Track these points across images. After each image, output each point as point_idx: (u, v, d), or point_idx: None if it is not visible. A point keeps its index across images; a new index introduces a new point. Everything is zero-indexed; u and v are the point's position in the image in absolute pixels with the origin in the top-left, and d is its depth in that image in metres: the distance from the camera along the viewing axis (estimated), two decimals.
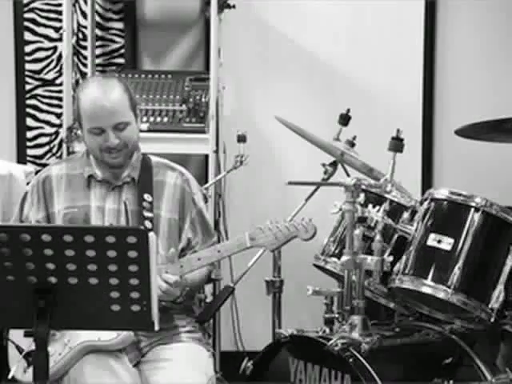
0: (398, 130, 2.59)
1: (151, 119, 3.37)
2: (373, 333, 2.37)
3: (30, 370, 2.29)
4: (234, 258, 3.41)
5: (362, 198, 2.42)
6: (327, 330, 2.54)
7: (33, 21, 3.80)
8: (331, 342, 2.30)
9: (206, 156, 3.46)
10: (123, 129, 2.41)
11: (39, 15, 3.80)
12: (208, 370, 2.41)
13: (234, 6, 3.55)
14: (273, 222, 2.38)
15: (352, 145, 2.96)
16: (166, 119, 3.37)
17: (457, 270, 2.38)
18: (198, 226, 2.54)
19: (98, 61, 3.78)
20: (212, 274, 2.57)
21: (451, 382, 2.33)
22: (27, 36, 3.80)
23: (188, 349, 2.44)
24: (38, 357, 1.80)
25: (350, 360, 2.26)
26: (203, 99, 3.40)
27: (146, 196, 2.46)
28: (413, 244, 2.48)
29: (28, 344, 2.22)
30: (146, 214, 2.44)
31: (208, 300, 3.00)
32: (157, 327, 1.85)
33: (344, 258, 2.40)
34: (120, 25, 3.81)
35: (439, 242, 2.42)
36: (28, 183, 2.82)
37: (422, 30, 3.78)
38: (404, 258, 2.49)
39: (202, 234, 2.54)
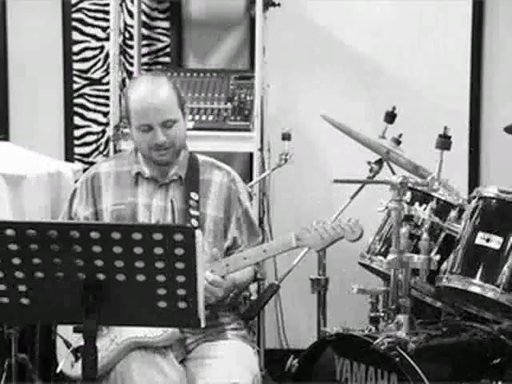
0: (446, 128, 2.55)
1: (196, 117, 3.39)
2: (419, 332, 2.35)
3: (78, 364, 2.32)
4: (278, 256, 3.41)
5: (408, 196, 2.40)
6: (373, 329, 2.52)
7: (81, 21, 3.85)
8: (377, 340, 2.29)
9: (251, 154, 3.47)
10: (171, 126, 2.42)
11: (87, 15, 3.85)
12: (253, 367, 2.41)
13: (278, 4, 3.55)
14: (319, 223, 2.36)
15: (398, 142, 2.94)
16: (211, 117, 3.39)
17: (506, 269, 2.35)
18: (244, 225, 2.54)
19: (144, 60, 3.82)
20: (258, 273, 2.57)
21: (499, 382, 2.30)
22: (75, 36, 3.85)
23: (233, 346, 2.44)
24: (87, 352, 1.82)
25: (397, 359, 2.24)
26: (248, 97, 3.40)
27: (192, 194, 2.47)
28: (460, 243, 2.46)
29: (76, 339, 2.26)
30: (193, 212, 2.45)
31: (253, 298, 3.00)
32: (203, 324, 1.86)
33: (390, 257, 2.38)
34: (166, 24, 3.84)
35: (488, 240, 2.39)
36: (76, 181, 2.86)
37: (469, 25, 3.73)
38: (451, 256, 2.46)
39: (248, 234, 2.54)
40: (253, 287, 3.11)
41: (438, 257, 2.39)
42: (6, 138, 3.80)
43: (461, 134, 3.64)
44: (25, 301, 1.83)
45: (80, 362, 2.27)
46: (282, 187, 3.77)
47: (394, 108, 3.01)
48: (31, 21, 3.86)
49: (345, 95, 3.77)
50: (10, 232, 1.76)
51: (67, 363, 2.34)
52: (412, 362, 2.24)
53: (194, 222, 2.43)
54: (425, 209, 2.46)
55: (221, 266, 2.35)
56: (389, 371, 2.29)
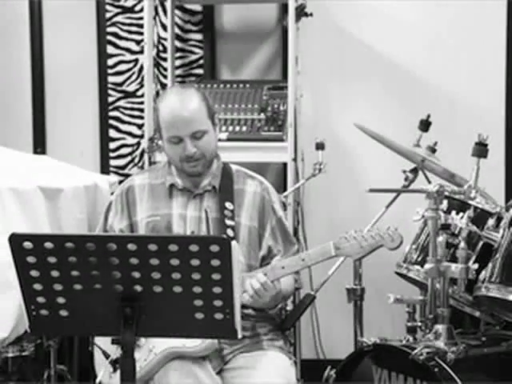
0: (481, 135, 2.53)
1: (230, 128, 3.40)
2: (458, 342, 2.32)
3: (116, 375, 2.33)
4: (313, 266, 3.40)
5: (445, 204, 2.38)
6: (410, 339, 2.50)
7: (115, 34, 3.89)
8: (416, 350, 2.27)
9: (285, 164, 3.47)
10: (201, 137, 2.43)
11: (121, 29, 3.89)
12: (290, 377, 2.40)
13: (311, 14, 3.55)
14: (357, 231, 2.35)
15: (433, 151, 2.92)
16: (244, 128, 3.40)
17: None
18: (279, 234, 2.54)
19: (177, 72, 3.84)
20: (296, 283, 2.56)
21: None
22: (110, 49, 3.90)
23: (270, 357, 2.43)
24: (125, 363, 1.83)
25: (436, 369, 2.22)
26: (281, 107, 3.41)
27: (227, 204, 2.48)
28: (499, 251, 2.42)
29: (114, 349, 2.27)
30: (228, 222, 2.45)
31: (288, 308, 3.00)
32: (240, 335, 1.86)
33: (427, 266, 2.36)
34: (199, 36, 3.86)
35: None
36: (112, 193, 2.89)
37: (503, 32, 3.69)
38: (490, 265, 2.43)
39: (283, 242, 2.54)
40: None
41: (476, 266, 2.37)
42: (43, 152, 3.86)
43: (497, 142, 3.60)
44: (64, 313, 1.85)
45: (118, 372, 2.29)
46: (316, 197, 3.76)
47: (429, 116, 2.99)
48: (67, 35, 3.91)
49: (378, 104, 3.75)
50: (48, 245, 1.78)
51: (106, 374, 2.35)
52: (451, 372, 2.22)
53: (230, 232, 2.44)
54: (462, 217, 2.43)
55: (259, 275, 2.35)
56: (428, 382, 2.27)
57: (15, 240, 1.78)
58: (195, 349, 2.29)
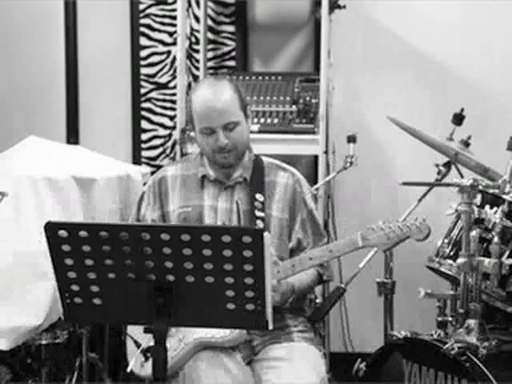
0: None
1: (262, 121, 3.40)
2: (490, 337, 2.31)
3: (147, 364, 2.35)
4: (343, 259, 3.40)
5: (478, 198, 2.36)
6: (441, 334, 2.49)
7: (148, 26, 3.91)
8: (447, 345, 2.25)
9: (316, 157, 3.46)
10: (233, 129, 2.44)
11: (154, 21, 3.91)
12: (320, 369, 2.40)
13: (344, 6, 3.54)
14: (385, 222, 2.34)
15: (467, 145, 2.90)
16: (276, 120, 3.40)
17: None
18: (309, 226, 2.54)
19: (209, 64, 3.85)
20: (324, 275, 2.56)
21: None
22: (143, 41, 3.92)
23: (300, 348, 2.44)
24: (157, 352, 1.84)
25: (467, 364, 2.21)
26: (313, 100, 3.40)
27: (257, 196, 2.48)
28: None
29: (145, 339, 2.29)
30: (258, 213, 2.46)
31: (318, 300, 3.00)
32: (271, 326, 1.86)
33: (460, 261, 2.35)
34: (231, 28, 3.87)
35: None
36: (144, 184, 2.90)
37: None
38: None
39: (313, 235, 2.54)
40: (318, 290, 3.11)
41: (509, 261, 2.35)
42: (77, 142, 3.90)
43: None
44: (97, 301, 1.87)
45: (150, 361, 2.31)
46: (347, 190, 3.76)
47: (463, 109, 2.96)
48: (100, 27, 3.94)
49: (411, 97, 3.73)
50: (83, 233, 1.80)
51: (137, 363, 2.37)
52: (483, 367, 2.21)
53: (260, 224, 2.44)
54: (496, 212, 2.41)
55: (286, 266, 2.36)
56: (459, 377, 2.26)
57: (50, 228, 1.80)
58: (223, 339, 2.31)
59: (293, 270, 2.35)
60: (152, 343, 1.84)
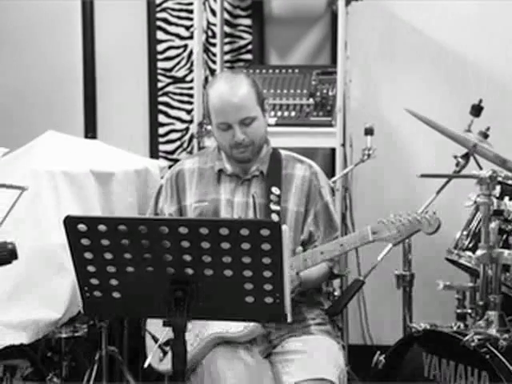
0: None
1: (279, 114, 3.40)
2: (510, 329, 2.29)
3: (165, 359, 2.37)
4: (362, 252, 3.40)
5: (498, 190, 2.35)
6: (461, 326, 2.48)
7: (165, 20, 3.92)
8: (467, 337, 2.25)
9: (333, 149, 3.46)
10: (250, 124, 2.42)
11: (171, 14, 3.92)
12: (339, 362, 2.39)
13: None
14: (396, 216, 2.34)
15: (485, 136, 2.88)
16: (293, 113, 3.40)
17: None
18: (322, 219, 2.51)
19: (226, 57, 3.85)
20: (334, 269, 2.54)
21: None
22: (159, 35, 3.92)
23: (318, 341, 2.43)
24: (176, 345, 1.84)
25: (488, 356, 2.20)
26: (330, 93, 3.39)
27: (273, 189, 2.47)
28: None
29: (164, 333, 2.30)
30: (273, 207, 2.44)
31: (336, 293, 2.99)
32: (289, 319, 1.85)
33: (479, 252, 2.34)
34: (248, 21, 3.86)
35: None
36: (162, 177, 2.91)
37: None
38: None
39: (324, 228, 2.51)
40: (336, 283, 3.11)
41: None
42: (94, 137, 3.91)
43: None
44: (116, 295, 1.87)
45: (167, 356, 2.32)
46: (365, 183, 3.75)
47: (481, 101, 2.94)
48: (117, 21, 3.95)
49: (428, 89, 3.71)
50: (102, 227, 1.80)
51: (155, 358, 2.38)
52: (503, 359, 2.20)
53: (275, 217, 2.43)
54: None
55: (300, 260, 2.35)
56: (479, 368, 2.25)
57: (70, 222, 1.81)
58: (240, 334, 2.31)
59: (305, 264, 2.35)
60: (169, 338, 1.84)
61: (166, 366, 2.37)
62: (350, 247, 2.36)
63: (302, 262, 2.35)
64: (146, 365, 2.29)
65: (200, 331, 2.34)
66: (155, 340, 2.37)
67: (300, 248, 2.38)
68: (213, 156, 2.57)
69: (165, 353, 2.37)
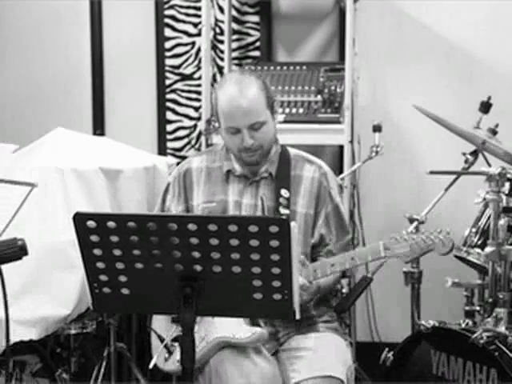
0: None
1: (287, 110, 3.40)
2: None
3: (171, 359, 2.36)
4: None
5: (507, 187, 2.34)
6: (469, 323, 2.48)
7: (173, 17, 3.92)
8: (476, 334, 2.24)
9: (341, 146, 3.45)
10: (259, 128, 2.39)
11: (179, 12, 3.92)
12: (346, 359, 2.39)
13: None
14: (409, 233, 2.30)
15: (494, 133, 2.87)
16: (301, 110, 3.40)
17: None
18: (333, 221, 2.49)
19: (234, 54, 3.85)
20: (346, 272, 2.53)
21: None
22: (167, 32, 3.92)
23: (326, 338, 2.43)
24: (185, 342, 1.84)
25: (496, 354, 2.20)
26: (338, 89, 3.39)
27: (283, 192, 2.44)
28: None
29: (170, 332, 2.30)
30: (283, 210, 2.41)
31: (344, 290, 2.99)
32: (298, 316, 1.85)
33: (488, 249, 2.33)
34: (256, 18, 3.86)
35: None
36: (170, 174, 2.91)
37: None
38: None
39: (336, 230, 2.49)
40: (344, 280, 3.10)
41: None
42: (102, 134, 3.92)
43: None
44: (125, 291, 1.88)
45: (173, 356, 2.32)
46: (373, 180, 3.74)
47: (490, 97, 2.94)
48: (125, 18, 3.96)
49: (437, 85, 3.70)
50: (111, 224, 1.80)
51: (161, 358, 2.38)
52: None
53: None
54: None
55: (309, 271, 2.32)
56: (488, 366, 2.25)
57: (79, 219, 1.81)
58: (246, 340, 2.28)
59: (314, 275, 2.32)
60: (178, 335, 1.84)
61: (171, 366, 2.36)
62: (362, 262, 2.33)
63: (312, 272, 2.32)
64: (151, 366, 2.29)
65: (206, 334, 2.33)
66: (161, 340, 2.36)
67: (302, 257, 2.34)
68: (221, 155, 2.54)
69: (170, 353, 2.36)
